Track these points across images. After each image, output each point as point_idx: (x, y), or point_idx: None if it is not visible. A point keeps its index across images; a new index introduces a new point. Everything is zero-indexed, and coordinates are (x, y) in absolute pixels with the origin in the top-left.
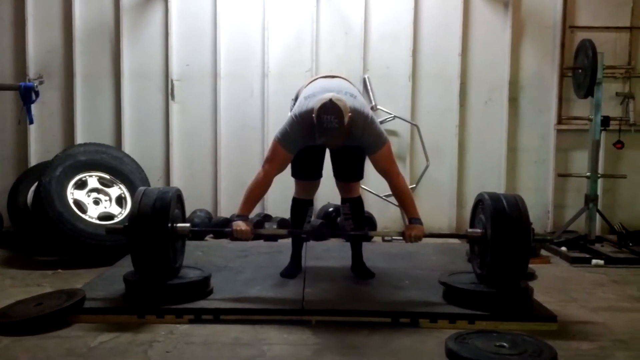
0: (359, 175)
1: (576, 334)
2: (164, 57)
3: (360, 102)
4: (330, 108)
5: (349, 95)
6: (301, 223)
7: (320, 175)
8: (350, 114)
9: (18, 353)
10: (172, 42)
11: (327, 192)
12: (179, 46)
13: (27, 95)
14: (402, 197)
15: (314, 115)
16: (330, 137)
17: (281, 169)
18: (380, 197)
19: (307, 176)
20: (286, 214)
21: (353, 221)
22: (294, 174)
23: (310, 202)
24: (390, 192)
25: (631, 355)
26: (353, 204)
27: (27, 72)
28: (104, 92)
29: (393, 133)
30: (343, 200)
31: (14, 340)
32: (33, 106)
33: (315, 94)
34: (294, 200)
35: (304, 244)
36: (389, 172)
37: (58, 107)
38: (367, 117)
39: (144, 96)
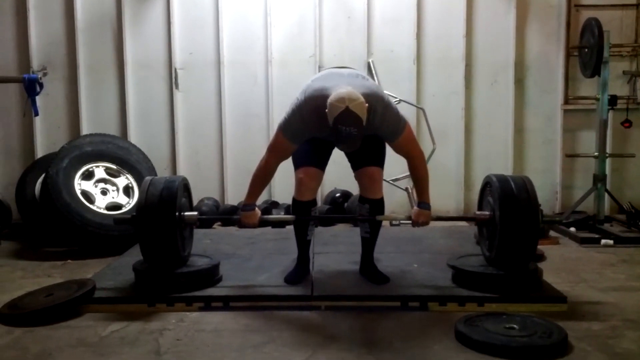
0: (379, 159)
1: (586, 314)
2: (166, 46)
3: (373, 84)
4: (347, 118)
5: (360, 77)
6: (305, 229)
7: (324, 167)
8: (367, 104)
9: (29, 344)
10: (175, 30)
11: (334, 178)
12: (182, 35)
13: (31, 87)
14: (420, 179)
15: (329, 122)
16: (348, 146)
17: (283, 158)
18: (387, 182)
19: (311, 161)
20: None
21: (370, 227)
22: (295, 162)
23: (313, 203)
24: (397, 177)
25: None
26: (373, 207)
27: (31, 64)
28: (108, 83)
29: None
30: (362, 199)
31: (25, 331)
32: (37, 98)
33: (321, 78)
34: (295, 202)
35: (313, 230)
36: (412, 153)
37: (63, 99)
38: (385, 102)
39: (148, 86)
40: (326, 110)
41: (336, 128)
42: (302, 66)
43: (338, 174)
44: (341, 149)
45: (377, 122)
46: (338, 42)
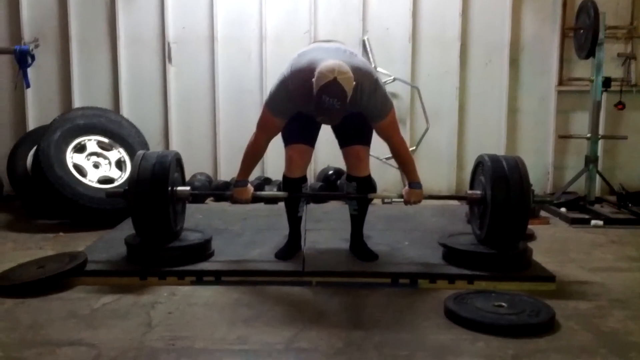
0: (365, 138)
1: (574, 293)
2: (160, 19)
3: (363, 61)
4: (333, 89)
5: (348, 53)
6: (296, 205)
7: (313, 144)
8: (354, 82)
9: (21, 315)
10: (168, 4)
11: (326, 156)
12: (175, 8)
13: (22, 58)
14: (404, 162)
15: (314, 90)
16: (328, 118)
17: (272, 135)
18: (380, 160)
19: (300, 138)
20: None
21: (358, 204)
22: (285, 139)
23: (303, 179)
24: (390, 155)
25: (628, 314)
26: (360, 184)
27: (22, 36)
28: (100, 56)
29: (393, 95)
30: (349, 177)
31: (16, 303)
32: (29, 70)
33: (308, 52)
34: (285, 179)
35: (305, 207)
36: (392, 139)
37: (55, 71)
38: (373, 80)
39: (141, 59)
40: (313, 79)
41: (319, 97)
42: (296, 43)
43: (331, 152)
44: (320, 121)
45: (365, 100)
46: (333, 19)
